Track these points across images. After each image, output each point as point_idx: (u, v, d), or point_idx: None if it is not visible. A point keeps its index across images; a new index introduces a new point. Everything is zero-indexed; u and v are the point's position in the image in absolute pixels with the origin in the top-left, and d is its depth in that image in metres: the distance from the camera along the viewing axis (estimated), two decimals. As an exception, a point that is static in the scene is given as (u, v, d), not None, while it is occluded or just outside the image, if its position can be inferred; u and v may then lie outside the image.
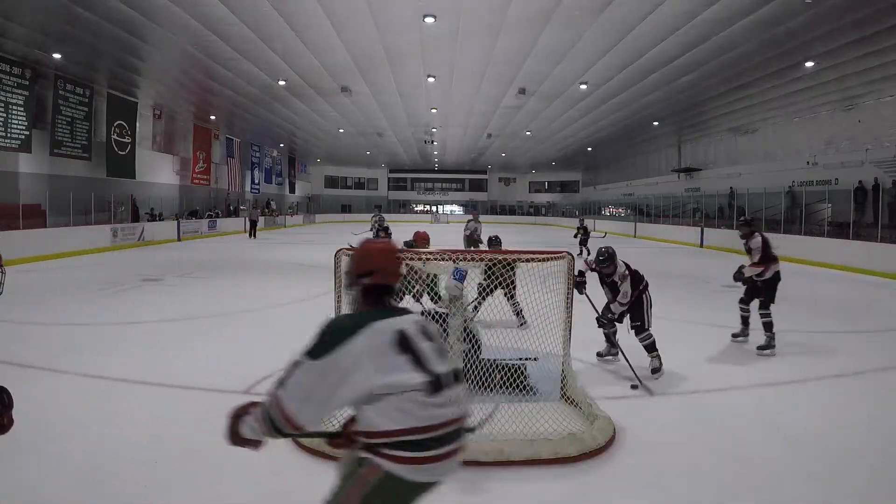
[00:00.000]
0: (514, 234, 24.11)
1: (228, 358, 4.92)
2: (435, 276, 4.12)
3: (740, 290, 9.48)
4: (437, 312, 3.82)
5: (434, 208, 46.15)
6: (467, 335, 3.95)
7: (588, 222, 17.21)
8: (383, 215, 14.06)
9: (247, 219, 23.93)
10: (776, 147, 19.84)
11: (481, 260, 3.28)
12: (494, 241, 6.90)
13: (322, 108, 20.77)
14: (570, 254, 3.70)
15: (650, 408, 3.86)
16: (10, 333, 5.68)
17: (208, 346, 5.40)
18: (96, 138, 16.27)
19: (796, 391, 4.27)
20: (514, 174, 47.28)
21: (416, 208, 46.53)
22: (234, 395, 4.00)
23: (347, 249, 3.69)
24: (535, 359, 3.91)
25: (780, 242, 15.12)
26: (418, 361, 1.44)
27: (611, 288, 4.59)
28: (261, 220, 24.78)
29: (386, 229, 11.84)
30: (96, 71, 14.76)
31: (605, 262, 4.50)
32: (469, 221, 12.07)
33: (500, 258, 3.65)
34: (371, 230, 13.86)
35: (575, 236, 14.76)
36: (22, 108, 13.17)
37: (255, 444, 1.47)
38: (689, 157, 26.41)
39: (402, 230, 15.76)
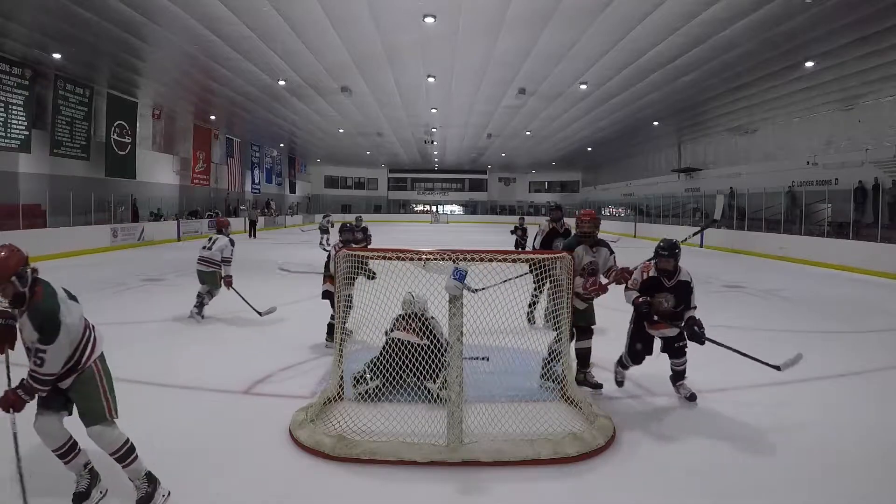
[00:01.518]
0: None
1: (228, 358, 4.92)
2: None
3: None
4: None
5: (434, 208, 46.14)
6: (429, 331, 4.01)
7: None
8: (361, 215, 13.35)
9: (246, 219, 23.94)
10: (776, 147, 19.83)
11: (481, 260, 3.27)
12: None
13: (322, 108, 20.76)
14: (571, 254, 3.70)
15: (650, 408, 3.86)
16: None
17: (208, 346, 5.40)
18: (96, 138, 16.27)
19: (796, 391, 4.26)
20: (514, 174, 47.27)
21: (416, 208, 46.54)
22: (234, 395, 4.01)
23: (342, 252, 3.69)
24: (486, 358, 3.94)
25: (781, 242, 15.27)
26: None
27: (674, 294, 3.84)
28: (260, 220, 24.78)
29: (364, 230, 10.82)
30: (96, 71, 14.75)
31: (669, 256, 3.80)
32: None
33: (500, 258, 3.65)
34: (319, 230, 13.43)
35: (512, 233, 13.10)
36: (22, 108, 13.17)
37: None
38: (689, 157, 26.40)
39: (401, 230, 15.78)
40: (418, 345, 3.74)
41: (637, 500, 2.69)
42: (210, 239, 6.64)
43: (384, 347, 3.88)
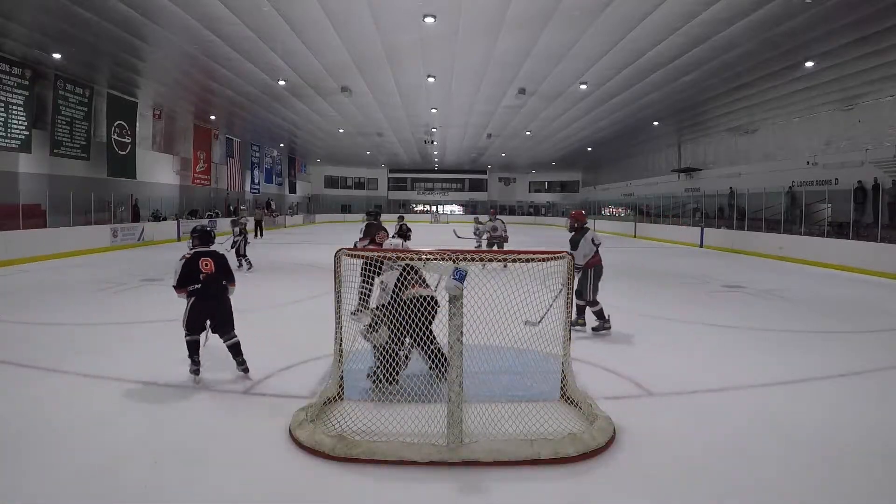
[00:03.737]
0: (513, 234, 24.09)
1: (228, 358, 4.92)
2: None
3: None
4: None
5: (434, 208, 46.17)
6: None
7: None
8: (247, 218, 11.96)
9: (249, 220, 23.99)
10: (776, 147, 19.84)
11: (481, 260, 3.27)
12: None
13: (322, 108, 20.77)
14: (570, 254, 3.69)
15: (650, 408, 3.86)
16: (10, 333, 5.68)
17: (208, 346, 5.39)
18: (96, 138, 16.27)
19: (796, 391, 4.26)
20: (514, 174, 47.29)
21: (416, 208, 46.59)
22: (234, 395, 4.01)
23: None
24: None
25: (781, 242, 15.31)
26: None
27: None
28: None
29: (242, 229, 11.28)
30: (96, 71, 14.76)
31: None
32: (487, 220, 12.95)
33: (499, 259, 3.65)
34: (233, 239, 11.47)
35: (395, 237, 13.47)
36: (22, 108, 13.17)
37: None
38: (689, 157, 26.41)
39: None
40: (433, 297, 3.80)
41: (637, 500, 2.69)
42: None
43: (405, 310, 3.67)
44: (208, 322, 4.32)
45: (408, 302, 3.72)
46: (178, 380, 4.28)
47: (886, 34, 10.81)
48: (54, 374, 4.40)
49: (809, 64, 12.93)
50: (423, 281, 4.00)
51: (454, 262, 3.11)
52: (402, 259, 3.43)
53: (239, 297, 7.94)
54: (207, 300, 4.26)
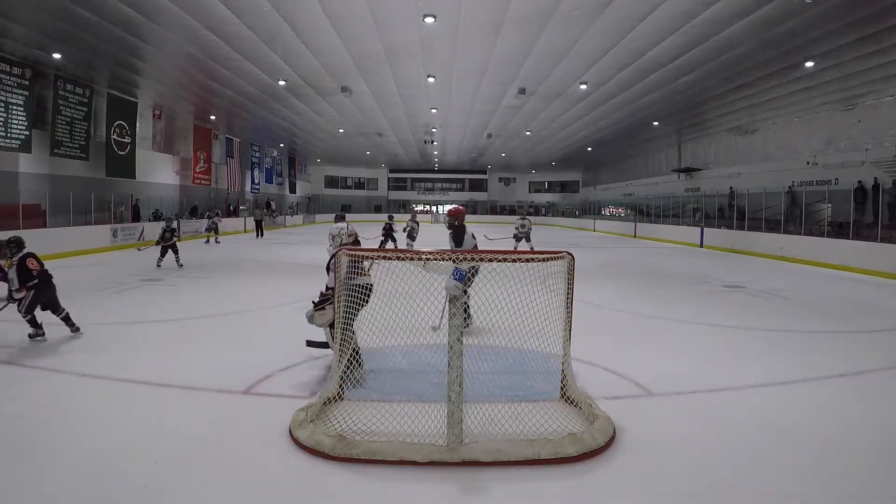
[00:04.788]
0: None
1: (228, 358, 4.92)
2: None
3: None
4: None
5: (434, 208, 46.17)
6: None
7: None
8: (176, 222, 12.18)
9: (248, 218, 24.03)
10: (776, 147, 19.83)
11: (481, 260, 3.27)
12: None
13: (322, 108, 20.78)
14: (570, 254, 3.69)
15: (650, 408, 3.86)
16: (10, 333, 5.68)
17: (208, 346, 5.40)
18: (96, 138, 16.28)
19: (796, 391, 4.26)
20: (514, 174, 47.28)
21: (415, 208, 46.57)
22: (234, 395, 4.01)
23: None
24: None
25: (781, 242, 15.30)
26: None
27: None
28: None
29: (173, 229, 12.01)
30: (96, 71, 14.76)
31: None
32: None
33: (499, 258, 3.65)
34: (166, 239, 11.80)
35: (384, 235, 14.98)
36: (22, 108, 13.17)
37: None
38: (689, 157, 26.40)
39: (401, 230, 15.84)
40: (370, 286, 3.95)
41: (637, 500, 2.69)
42: None
43: (353, 296, 3.77)
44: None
45: (354, 289, 3.84)
46: (179, 380, 4.29)
47: (886, 34, 10.81)
48: (54, 374, 4.40)
49: (809, 64, 12.93)
50: (364, 268, 4.18)
51: (454, 262, 3.11)
52: (403, 258, 3.43)
53: (239, 297, 7.95)
54: (42, 288, 5.43)
